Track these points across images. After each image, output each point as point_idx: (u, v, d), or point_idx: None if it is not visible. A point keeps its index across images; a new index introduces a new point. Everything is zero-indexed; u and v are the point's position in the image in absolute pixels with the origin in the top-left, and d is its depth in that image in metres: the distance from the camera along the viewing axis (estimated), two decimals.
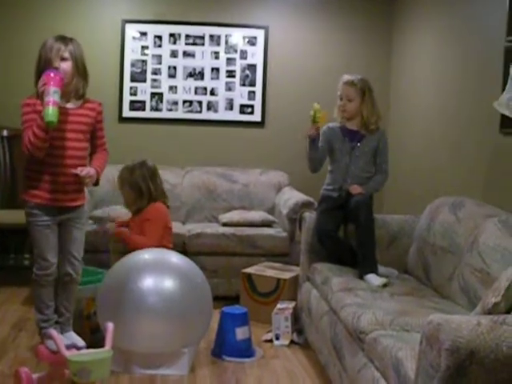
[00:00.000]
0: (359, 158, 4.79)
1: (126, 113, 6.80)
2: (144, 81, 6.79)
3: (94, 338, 4.44)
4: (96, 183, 4.27)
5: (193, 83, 6.85)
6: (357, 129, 4.82)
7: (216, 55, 6.84)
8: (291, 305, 4.90)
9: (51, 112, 3.80)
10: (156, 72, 6.80)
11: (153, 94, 6.82)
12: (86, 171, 4.08)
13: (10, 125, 6.16)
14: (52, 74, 3.90)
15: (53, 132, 3.96)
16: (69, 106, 4.13)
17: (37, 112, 3.93)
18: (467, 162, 5.03)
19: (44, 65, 4.02)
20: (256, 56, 6.88)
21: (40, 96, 3.91)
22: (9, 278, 5.92)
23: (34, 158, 4.03)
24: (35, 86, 4.04)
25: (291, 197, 6.12)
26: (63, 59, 4.03)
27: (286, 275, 5.30)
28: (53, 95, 3.82)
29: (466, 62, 5.11)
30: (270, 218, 6.16)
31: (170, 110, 6.85)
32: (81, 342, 4.23)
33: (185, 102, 6.85)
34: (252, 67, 6.88)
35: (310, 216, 4.90)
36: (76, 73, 4.10)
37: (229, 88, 6.88)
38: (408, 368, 2.76)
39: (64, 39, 4.09)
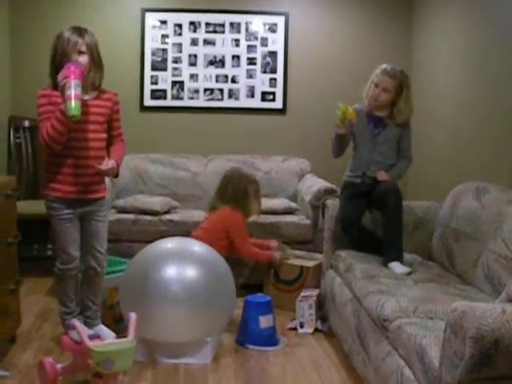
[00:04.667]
0: (383, 145, 4.75)
1: (148, 102, 6.80)
2: (165, 69, 6.79)
3: (118, 328, 4.45)
4: (116, 175, 4.25)
5: (214, 71, 6.83)
6: (383, 116, 4.77)
7: (236, 43, 6.82)
8: (315, 292, 4.88)
9: (74, 106, 3.75)
10: (177, 60, 6.79)
11: (174, 83, 6.81)
12: (108, 165, 4.05)
13: (32, 116, 6.16)
14: (72, 67, 3.83)
15: (72, 124, 3.92)
16: (86, 97, 4.05)
17: (53, 103, 3.90)
18: (492, 148, 4.99)
19: (60, 58, 3.95)
20: (277, 43, 6.85)
21: (61, 90, 3.83)
22: (32, 269, 5.93)
23: (52, 150, 4.02)
24: (50, 78, 4.01)
25: (314, 184, 6.10)
26: (80, 53, 3.97)
27: (310, 263, 5.28)
28: (75, 89, 3.76)
29: (488, 45, 5.06)
30: (293, 205, 6.14)
31: (191, 98, 6.84)
32: (110, 334, 4.24)
33: (206, 90, 6.84)
34: (273, 54, 6.85)
35: (332, 203, 4.88)
36: (92, 65, 4.05)
37: (250, 75, 6.86)
38: (432, 356, 2.74)
39: (80, 31, 4.01)
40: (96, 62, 4.07)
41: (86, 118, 4.02)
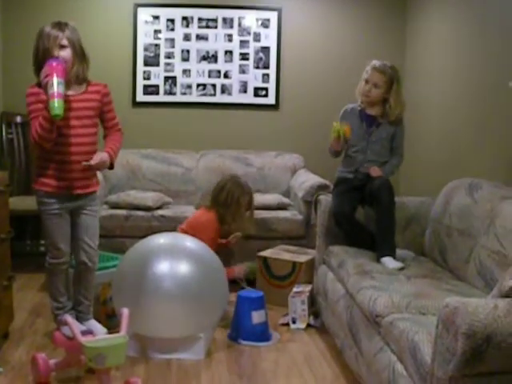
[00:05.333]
0: (376, 143, 4.75)
1: (140, 97, 6.79)
2: (157, 65, 6.78)
3: (110, 323, 4.45)
4: (110, 167, 4.22)
5: (206, 66, 6.83)
6: (375, 115, 4.78)
7: (229, 38, 6.81)
8: (307, 288, 4.89)
9: (57, 105, 3.73)
10: (169, 56, 6.78)
11: (166, 78, 6.80)
12: (97, 160, 4.04)
13: (24, 111, 6.14)
14: (54, 64, 3.81)
15: (58, 121, 3.89)
16: (71, 92, 4.03)
17: (41, 101, 3.88)
18: (485, 144, 4.99)
19: (43, 55, 3.94)
20: (269, 38, 6.84)
21: (44, 88, 3.83)
22: (25, 265, 5.93)
23: (43, 148, 4.02)
24: (36, 76, 3.99)
25: (307, 179, 6.10)
26: (62, 47, 3.94)
27: (302, 258, 5.28)
28: (57, 87, 3.74)
29: (486, 39, 5.05)
30: (286, 201, 6.14)
31: (184, 93, 6.84)
32: (102, 330, 4.23)
33: (198, 85, 6.84)
34: (265, 50, 6.85)
35: (325, 199, 4.88)
36: (76, 59, 4.01)
37: (242, 71, 6.86)
38: (424, 352, 2.74)
39: (60, 25, 3.98)
40: (79, 55, 4.03)
41: (69, 115, 4.00)
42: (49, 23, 4.02)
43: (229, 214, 5.11)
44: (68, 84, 3.99)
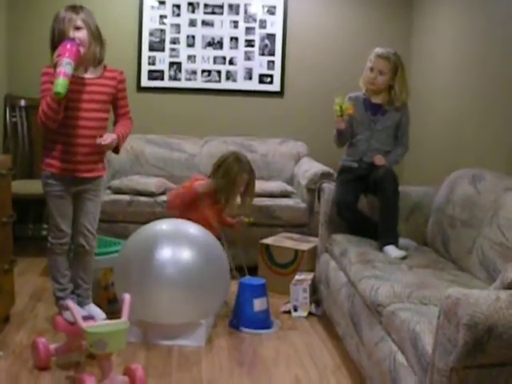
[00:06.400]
0: (381, 131, 4.74)
1: (145, 82, 6.77)
2: (162, 50, 6.76)
3: (112, 309, 4.45)
4: (116, 151, 4.23)
5: (211, 52, 6.80)
6: (380, 102, 4.76)
7: (235, 24, 6.78)
8: (309, 276, 4.88)
9: (60, 82, 3.75)
10: (174, 41, 6.75)
11: (171, 64, 6.78)
12: (108, 140, 4.03)
13: (28, 95, 6.16)
14: (68, 46, 3.85)
15: (68, 102, 3.94)
16: (87, 75, 4.09)
17: (53, 82, 3.90)
18: (489, 135, 4.97)
19: (58, 37, 3.97)
20: (275, 25, 6.81)
21: (54, 67, 3.86)
22: (27, 249, 5.94)
23: (48, 128, 4.02)
24: (52, 58, 4.02)
25: (310, 167, 6.08)
26: (77, 28, 3.97)
27: (304, 246, 5.28)
28: (65, 66, 3.77)
29: (490, 32, 5.03)
30: (289, 188, 6.12)
31: (189, 79, 6.82)
32: (101, 315, 4.23)
33: (203, 71, 6.81)
34: (271, 37, 6.82)
35: (328, 187, 4.87)
36: (92, 40, 4.04)
37: (248, 57, 6.83)
38: (425, 342, 2.74)
39: (74, 8, 4.02)
40: (95, 36, 4.06)
41: (82, 97, 4.04)
42: (64, 7, 4.05)
43: (223, 194, 4.92)
44: (86, 64, 4.06)
